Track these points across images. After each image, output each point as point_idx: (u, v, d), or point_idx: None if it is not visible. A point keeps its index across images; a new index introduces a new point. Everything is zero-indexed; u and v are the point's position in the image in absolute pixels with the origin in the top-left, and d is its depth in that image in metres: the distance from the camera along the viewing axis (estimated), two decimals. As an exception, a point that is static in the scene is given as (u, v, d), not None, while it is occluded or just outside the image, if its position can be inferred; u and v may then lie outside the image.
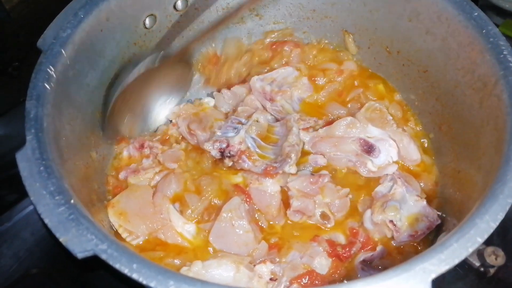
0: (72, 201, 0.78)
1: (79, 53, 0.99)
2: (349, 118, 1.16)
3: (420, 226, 1.03)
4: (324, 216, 1.07)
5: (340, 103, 1.26)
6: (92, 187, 1.06)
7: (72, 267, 1.10)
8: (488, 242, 0.76)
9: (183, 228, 1.05)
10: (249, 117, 1.19)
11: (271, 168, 1.08)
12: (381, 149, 1.13)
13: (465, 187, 1.00)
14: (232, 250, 1.02)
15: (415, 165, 1.16)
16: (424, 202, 1.05)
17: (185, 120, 1.22)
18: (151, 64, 1.12)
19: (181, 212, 1.07)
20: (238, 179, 1.12)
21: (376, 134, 1.15)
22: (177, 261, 1.00)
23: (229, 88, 1.29)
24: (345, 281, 0.93)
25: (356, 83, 1.30)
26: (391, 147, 1.14)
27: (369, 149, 1.13)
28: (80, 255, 0.72)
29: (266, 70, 1.32)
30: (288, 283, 0.97)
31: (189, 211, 1.07)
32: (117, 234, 1.04)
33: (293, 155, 1.08)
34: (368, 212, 1.05)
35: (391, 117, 1.19)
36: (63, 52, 0.95)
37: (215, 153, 1.13)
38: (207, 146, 1.13)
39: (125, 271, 0.70)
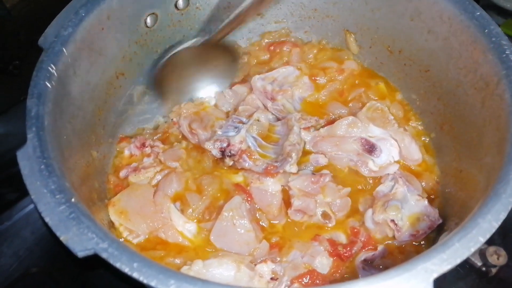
0: (72, 199, 0.78)
1: (80, 51, 0.99)
2: (350, 118, 1.16)
3: (422, 226, 1.02)
4: (325, 215, 1.07)
5: (341, 103, 1.26)
6: (93, 186, 1.05)
7: (73, 266, 1.10)
8: (490, 241, 0.76)
9: (184, 227, 1.05)
10: (250, 116, 1.19)
11: (272, 167, 1.08)
12: (383, 148, 1.13)
13: (467, 187, 1.00)
14: (233, 249, 1.02)
15: (416, 165, 1.16)
16: (426, 202, 1.05)
17: (186, 119, 1.22)
18: (195, 43, 1.24)
19: (182, 211, 1.07)
20: (239, 178, 1.12)
21: (378, 133, 1.15)
22: (177, 260, 1.00)
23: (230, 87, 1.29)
24: (346, 281, 0.93)
25: (357, 82, 1.30)
26: (392, 146, 1.14)
27: (370, 148, 1.13)
28: (80, 254, 0.72)
29: (265, 70, 1.32)
30: (289, 283, 0.97)
31: (190, 210, 1.07)
32: (117, 232, 1.04)
33: (294, 154, 1.08)
34: (369, 211, 1.05)
35: (392, 117, 1.19)
36: (64, 50, 0.95)
37: (216, 152, 1.13)
38: (208, 145, 1.13)
39: (126, 270, 0.70)
